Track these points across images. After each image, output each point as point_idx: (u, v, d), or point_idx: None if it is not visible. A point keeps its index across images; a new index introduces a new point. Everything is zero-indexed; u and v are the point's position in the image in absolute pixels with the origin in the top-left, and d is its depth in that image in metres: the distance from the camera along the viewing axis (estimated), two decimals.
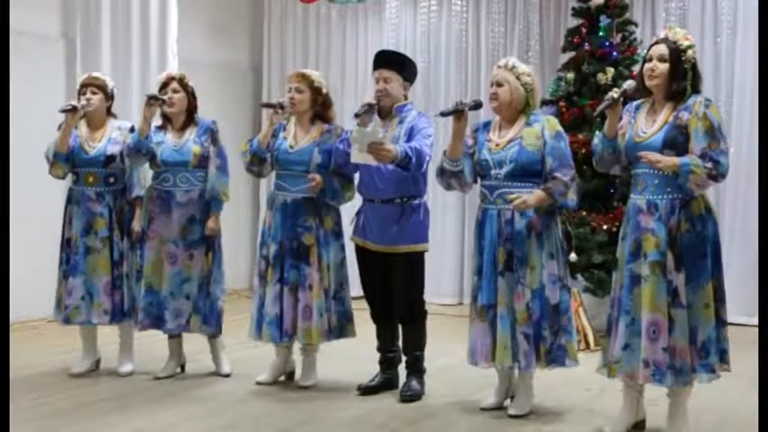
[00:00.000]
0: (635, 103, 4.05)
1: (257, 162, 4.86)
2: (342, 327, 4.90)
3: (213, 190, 5.05)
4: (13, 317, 5.45)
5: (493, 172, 4.31)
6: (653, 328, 3.79)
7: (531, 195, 4.20)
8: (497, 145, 4.33)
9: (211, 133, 5.10)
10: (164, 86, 5.06)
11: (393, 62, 4.72)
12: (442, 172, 4.42)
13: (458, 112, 4.25)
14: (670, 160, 3.76)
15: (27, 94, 6.62)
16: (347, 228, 4.93)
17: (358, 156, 4.42)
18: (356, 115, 4.55)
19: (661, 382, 3.81)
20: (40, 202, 6.83)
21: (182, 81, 5.08)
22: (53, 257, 6.65)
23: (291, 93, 4.84)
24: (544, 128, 4.32)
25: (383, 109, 4.70)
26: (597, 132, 6.30)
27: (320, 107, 4.90)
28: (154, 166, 5.08)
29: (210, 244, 5.09)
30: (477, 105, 4.38)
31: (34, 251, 6.71)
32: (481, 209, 4.41)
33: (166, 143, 5.04)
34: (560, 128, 4.38)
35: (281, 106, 4.81)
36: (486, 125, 4.47)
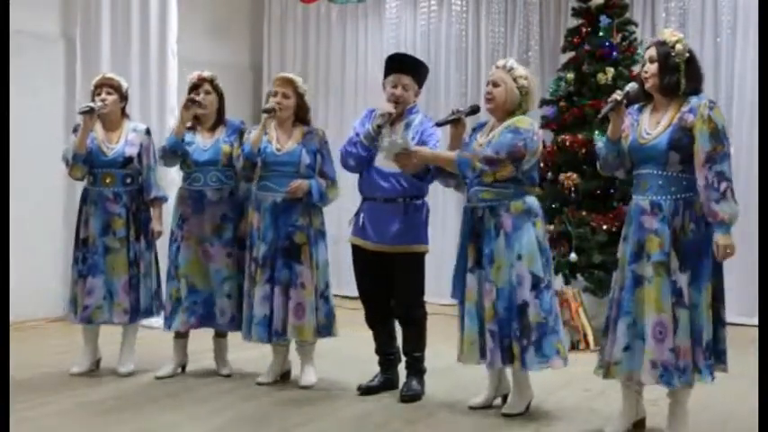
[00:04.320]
0: (637, 105, 4.05)
1: (249, 167, 4.89)
2: (329, 325, 4.96)
3: (248, 190, 5.09)
4: (13, 317, 5.45)
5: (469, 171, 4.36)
6: (659, 329, 3.78)
7: (428, 150, 4.41)
8: (480, 145, 4.37)
9: (240, 133, 5.13)
10: (195, 88, 5.09)
11: (413, 69, 4.71)
12: (439, 172, 4.51)
13: (454, 121, 4.36)
14: (725, 241, 3.73)
15: (27, 93, 6.62)
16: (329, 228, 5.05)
17: (383, 162, 4.48)
18: (378, 126, 4.57)
19: (669, 383, 3.80)
20: (40, 202, 6.83)
21: (212, 82, 5.13)
22: (53, 257, 6.65)
23: (278, 97, 4.89)
24: (507, 124, 4.30)
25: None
26: (597, 135, 6.37)
27: (301, 111, 4.99)
28: (185, 166, 5.11)
29: (243, 242, 5.07)
30: (473, 111, 4.44)
31: (34, 251, 6.72)
32: (464, 206, 4.46)
33: (196, 143, 5.08)
34: (525, 125, 4.28)
35: (274, 111, 4.87)
36: (481, 126, 4.51)
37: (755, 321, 6.05)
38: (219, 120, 5.17)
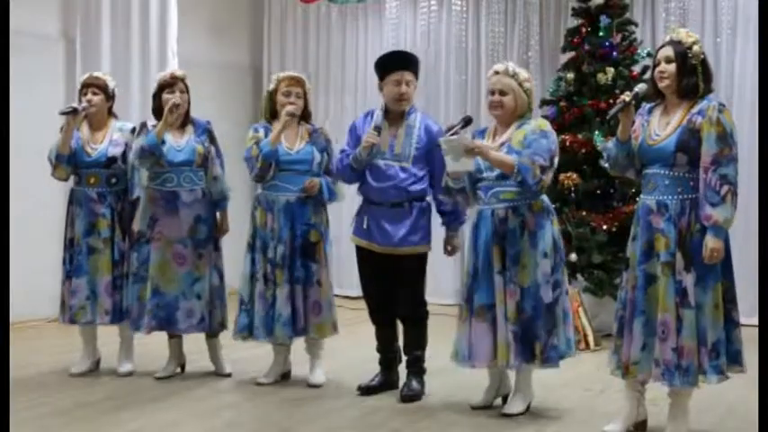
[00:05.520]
0: (648, 105, 4.04)
1: (267, 167, 4.85)
2: (336, 322, 5.01)
3: (222, 190, 5.11)
4: (13, 317, 5.44)
5: (485, 174, 4.35)
6: (662, 328, 3.79)
7: (497, 152, 4.25)
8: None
9: (209, 133, 5.14)
10: (169, 86, 5.04)
11: (413, 64, 4.72)
12: (447, 191, 4.50)
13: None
14: (714, 244, 3.73)
15: (27, 94, 6.62)
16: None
17: (455, 165, 4.25)
18: (365, 151, 4.59)
19: (670, 381, 3.81)
20: (40, 202, 6.83)
21: (184, 81, 5.10)
22: (53, 257, 6.62)
23: (292, 98, 4.90)
24: (531, 128, 4.31)
25: (395, 113, 4.69)
26: (598, 137, 6.36)
27: (305, 110, 5.02)
28: (156, 166, 5.04)
29: (215, 242, 5.11)
30: (467, 123, 4.40)
31: (34, 251, 6.72)
32: (476, 210, 4.44)
33: (168, 144, 5.03)
34: (548, 128, 4.36)
35: (295, 114, 4.89)
36: (482, 133, 4.49)
37: (755, 321, 6.04)
38: (187, 119, 5.13)
